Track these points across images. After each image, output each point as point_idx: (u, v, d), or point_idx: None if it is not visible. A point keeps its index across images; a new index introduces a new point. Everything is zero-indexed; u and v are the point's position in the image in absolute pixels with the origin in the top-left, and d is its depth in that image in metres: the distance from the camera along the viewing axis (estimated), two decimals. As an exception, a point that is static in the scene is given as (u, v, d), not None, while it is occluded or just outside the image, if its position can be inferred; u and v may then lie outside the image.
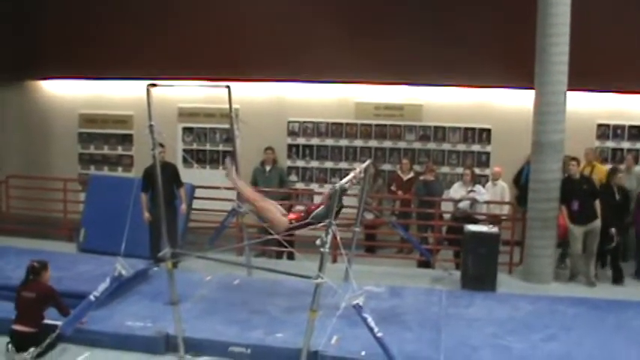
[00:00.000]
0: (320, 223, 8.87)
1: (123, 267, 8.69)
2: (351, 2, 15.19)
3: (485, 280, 11.60)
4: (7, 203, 15.84)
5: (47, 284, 9.07)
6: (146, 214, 11.77)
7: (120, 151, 17.48)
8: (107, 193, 13.50)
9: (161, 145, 12.21)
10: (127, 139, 17.32)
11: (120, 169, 17.45)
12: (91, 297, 8.68)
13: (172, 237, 11.79)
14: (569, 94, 12.16)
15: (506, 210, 14.16)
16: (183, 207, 12.36)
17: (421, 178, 14.34)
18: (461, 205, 13.48)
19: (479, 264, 11.65)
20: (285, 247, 10.69)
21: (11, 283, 9.57)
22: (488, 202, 13.74)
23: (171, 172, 11.90)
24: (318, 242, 7.90)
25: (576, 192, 12.22)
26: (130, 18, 16.06)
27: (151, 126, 8.77)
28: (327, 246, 7.91)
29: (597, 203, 12.25)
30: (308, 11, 15.16)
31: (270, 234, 9.91)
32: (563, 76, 11.97)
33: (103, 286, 8.71)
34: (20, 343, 8.64)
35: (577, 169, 12.55)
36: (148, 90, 8.81)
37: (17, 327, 8.70)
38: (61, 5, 16.34)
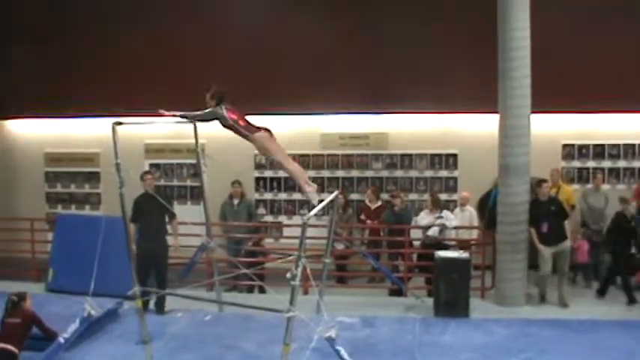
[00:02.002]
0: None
1: (92, 307, 8.62)
2: (313, 35, 15.19)
3: (458, 306, 11.60)
4: (-27, 245, 15.54)
5: (30, 310, 9.04)
6: (132, 247, 10.60)
7: (87, 189, 17.35)
8: (75, 232, 13.34)
9: (148, 173, 12.11)
10: (94, 177, 17.19)
11: (88, 207, 17.29)
12: (61, 339, 8.59)
13: (162, 274, 11.70)
14: (533, 116, 12.29)
15: (475, 235, 14.20)
16: (176, 241, 11.96)
17: (395, 208, 14.26)
18: (430, 231, 13.49)
19: (451, 290, 11.65)
20: (256, 281, 10.65)
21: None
22: (457, 228, 13.77)
23: (162, 203, 11.31)
24: (288, 275, 7.85)
25: (544, 213, 12.32)
26: (93, 55, 16.00)
27: (117, 164, 8.74)
28: (298, 279, 7.87)
29: (566, 224, 12.37)
30: (271, 44, 15.28)
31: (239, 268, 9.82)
32: (527, 99, 12.10)
33: (72, 327, 8.63)
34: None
35: (549, 190, 12.70)
36: (113, 128, 8.78)
37: (1, 345, 8.56)
38: (22, 43, 16.22)
